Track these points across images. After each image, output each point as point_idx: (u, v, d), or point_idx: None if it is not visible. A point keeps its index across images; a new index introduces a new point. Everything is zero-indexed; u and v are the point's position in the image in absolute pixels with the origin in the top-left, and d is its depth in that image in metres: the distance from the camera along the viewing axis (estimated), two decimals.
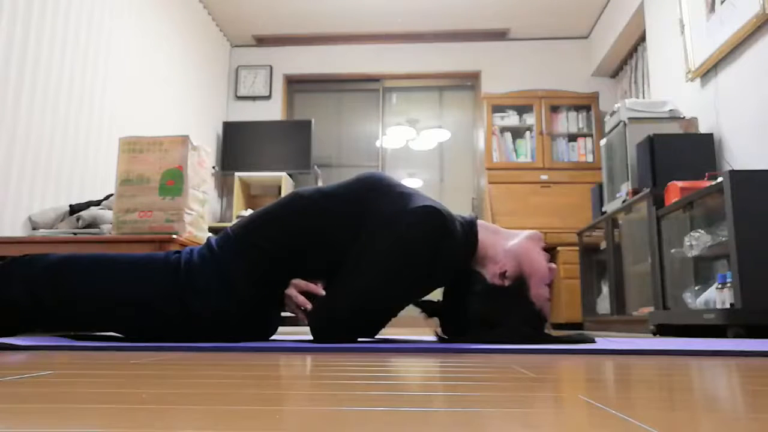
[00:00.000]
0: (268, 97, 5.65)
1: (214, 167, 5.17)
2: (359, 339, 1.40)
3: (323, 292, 1.37)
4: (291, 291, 1.38)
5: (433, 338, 1.52)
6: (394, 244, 1.32)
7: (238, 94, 5.65)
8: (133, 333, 1.41)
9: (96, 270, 1.36)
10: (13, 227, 2.67)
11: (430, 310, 1.48)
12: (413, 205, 1.35)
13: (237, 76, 5.68)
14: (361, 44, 5.67)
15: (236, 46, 5.75)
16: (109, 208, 2.55)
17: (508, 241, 1.44)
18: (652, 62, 4.17)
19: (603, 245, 3.87)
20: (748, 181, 2.32)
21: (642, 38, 4.61)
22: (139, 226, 2.23)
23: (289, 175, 5.20)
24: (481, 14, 5.22)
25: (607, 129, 3.85)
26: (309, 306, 1.35)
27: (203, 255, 1.39)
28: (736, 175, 2.33)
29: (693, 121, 3.38)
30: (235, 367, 0.80)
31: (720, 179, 2.41)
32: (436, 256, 1.33)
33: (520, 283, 1.39)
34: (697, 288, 2.76)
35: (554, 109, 5.30)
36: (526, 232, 1.48)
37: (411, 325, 4.25)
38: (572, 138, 5.29)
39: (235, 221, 4.84)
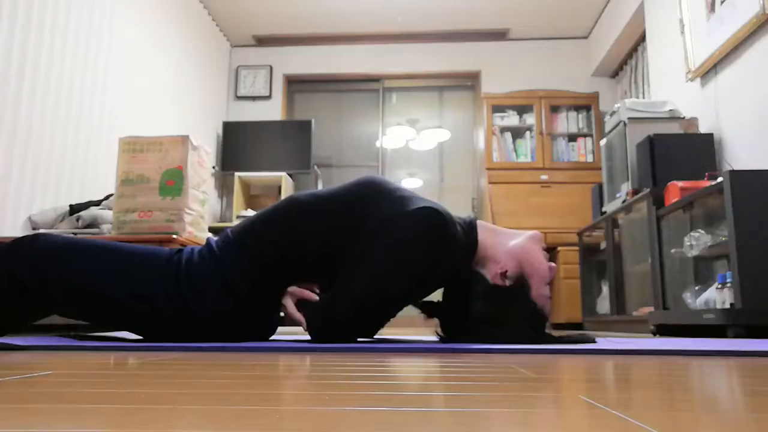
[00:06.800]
0: (268, 97, 5.65)
1: (214, 167, 5.17)
2: (358, 339, 1.40)
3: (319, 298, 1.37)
4: (287, 302, 1.38)
5: (433, 338, 1.52)
6: (395, 246, 1.32)
7: (238, 94, 5.65)
8: (133, 331, 1.41)
9: (100, 262, 1.35)
10: (14, 227, 2.67)
11: (430, 310, 1.48)
12: (413, 207, 1.34)
13: (237, 76, 5.68)
14: (361, 44, 5.67)
15: (236, 46, 5.75)
16: (109, 208, 2.56)
17: (508, 242, 1.44)
18: (652, 62, 4.16)
19: (603, 245, 3.87)
20: (748, 181, 2.31)
21: (642, 38, 4.60)
22: (139, 226, 2.23)
23: (289, 175, 5.20)
24: (481, 14, 5.22)
25: (607, 129, 3.85)
26: (303, 322, 1.36)
27: (203, 255, 1.39)
28: (736, 175, 2.33)
29: (693, 121, 3.37)
30: (235, 367, 0.80)
31: (720, 179, 2.41)
32: (437, 257, 1.33)
33: (521, 282, 1.39)
34: (697, 288, 2.76)
35: (554, 109, 5.30)
36: (527, 233, 1.48)
37: (411, 325, 4.25)
38: (572, 138, 5.29)
39: (235, 222, 4.85)
